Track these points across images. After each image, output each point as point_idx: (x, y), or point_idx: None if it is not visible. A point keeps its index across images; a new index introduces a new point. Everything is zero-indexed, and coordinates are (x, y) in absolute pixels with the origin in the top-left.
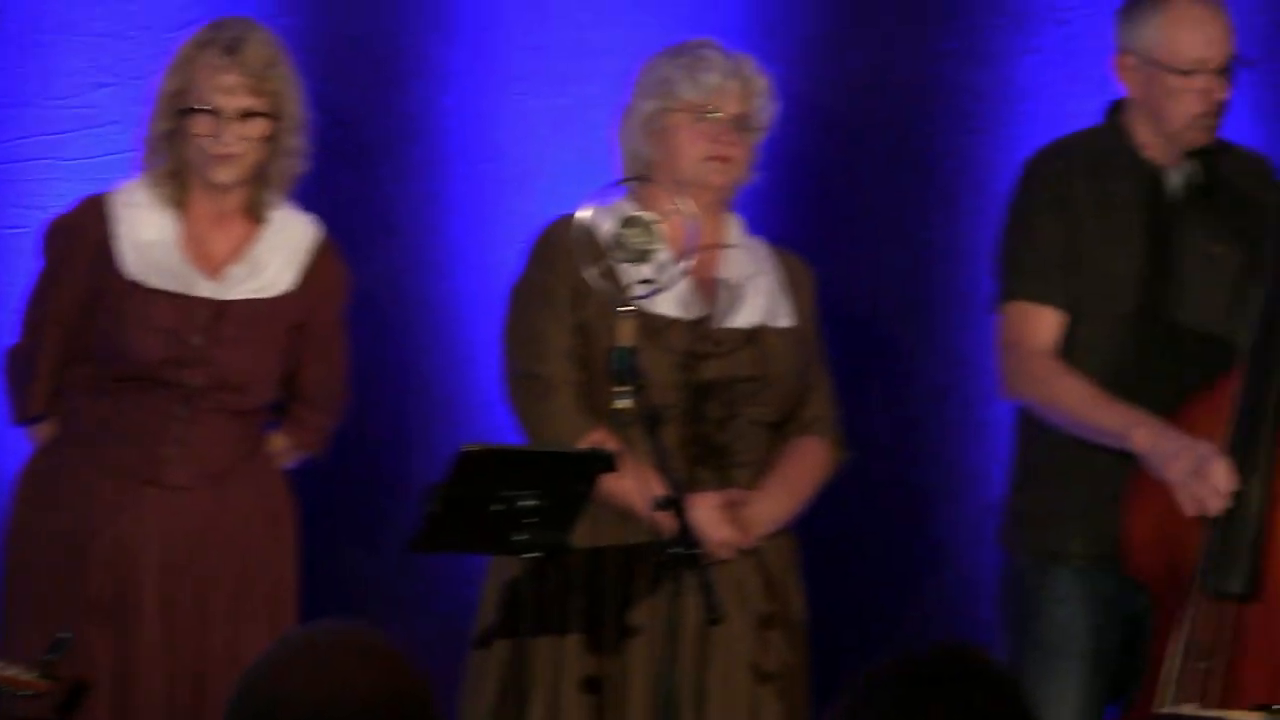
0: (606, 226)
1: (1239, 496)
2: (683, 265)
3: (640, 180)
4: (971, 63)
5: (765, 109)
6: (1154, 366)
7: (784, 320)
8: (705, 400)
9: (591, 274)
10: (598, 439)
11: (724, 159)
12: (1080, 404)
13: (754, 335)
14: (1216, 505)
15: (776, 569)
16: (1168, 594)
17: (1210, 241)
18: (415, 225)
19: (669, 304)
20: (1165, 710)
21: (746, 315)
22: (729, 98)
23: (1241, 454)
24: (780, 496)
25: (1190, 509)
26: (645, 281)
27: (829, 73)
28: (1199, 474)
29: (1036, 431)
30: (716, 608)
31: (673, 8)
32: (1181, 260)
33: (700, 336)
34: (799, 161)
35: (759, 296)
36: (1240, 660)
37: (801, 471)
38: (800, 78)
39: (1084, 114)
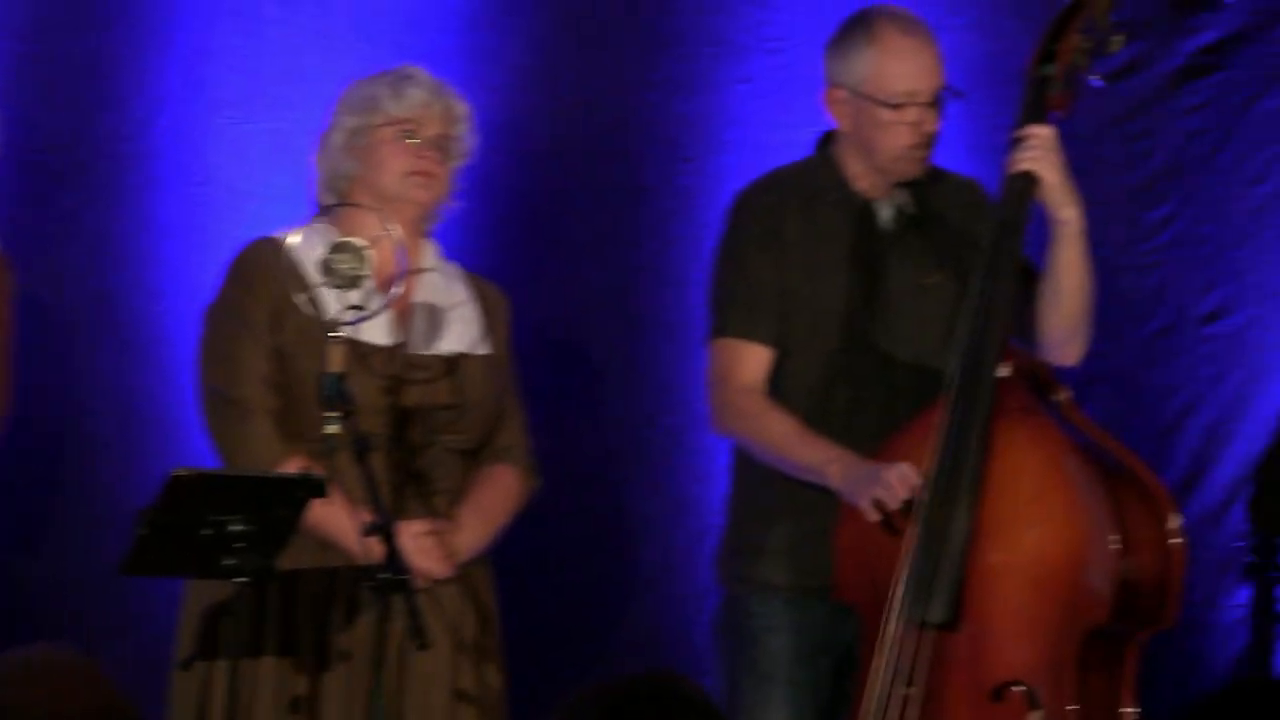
0: (317, 252)
1: (942, 526)
2: (393, 291)
3: (352, 205)
4: (682, 91)
5: (466, 136)
6: (866, 400)
7: (481, 348)
8: (406, 427)
9: (301, 299)
10: (295, 464)
11: (427, 175)
12: (783, 440)
13: (453, 362)
14: (893, 500)
15: (474, 595)
16: (875, 622)
17: (922, 272)
18: (128, 247)
19: (372, 330)
20: None
21: (446, 342)
22: (432, 117)
23: (946, 483)
24: (476, 524)
25: (871, 515)
26: (354, 307)
27: (541, 100)
28: (879, 484)
29: (749, 465)
30: (424, 633)
31: (387, 34)
32: (893, 292)
33: (400, 363)
34: (510, 188)
35: (458, 323)
36: (941, 687)
37: (496, 499)
38: (512, 105)
39: (796, 143)
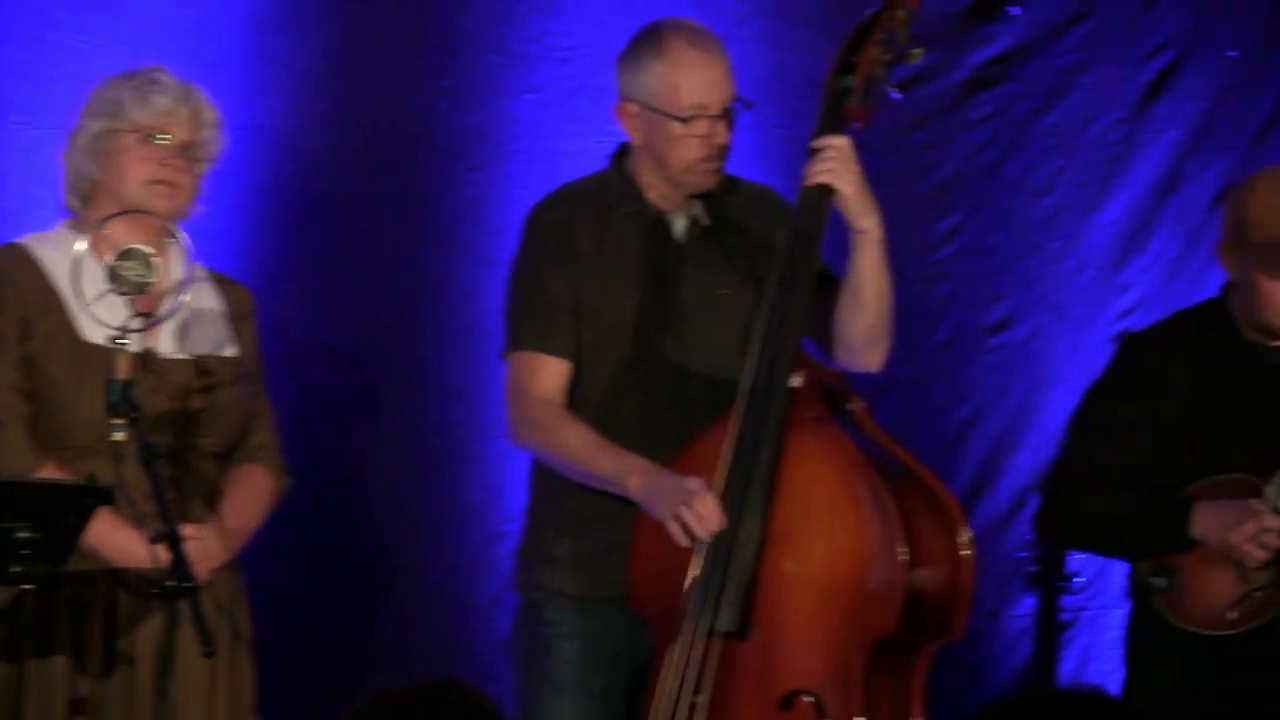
0: (105, 259)
1: (733, 535)
2: (180, 299)
3: (132, 213)
4: (470, 100)
5: (214, 140)
6: (660, 410)
7: (229, 349)
8: (163, 431)
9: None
10: (48, 471)
11: (169, 184)
12: (581, 451)
13: (202, 365)
14: (702, 533)
15: (225, 597)
16: (667, 631)
17: (717, 283)
18: None
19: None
20: None
21: (194, 345)
22: (178, 123)
23: (737, 493)
24: (233, 527)
25: (680, 540)
26: (141, 315)
27: (328, 107)
28: (685, 504)
29: (546, 476)
30: (209, 638)
31: (176, 38)
32: (687, 303)
33: (151, 367)
34: (297, 195)
35: (204, 326)
36: (730, 696)
37: (250, 501)
38: (300, 111)
39: (584, 153)
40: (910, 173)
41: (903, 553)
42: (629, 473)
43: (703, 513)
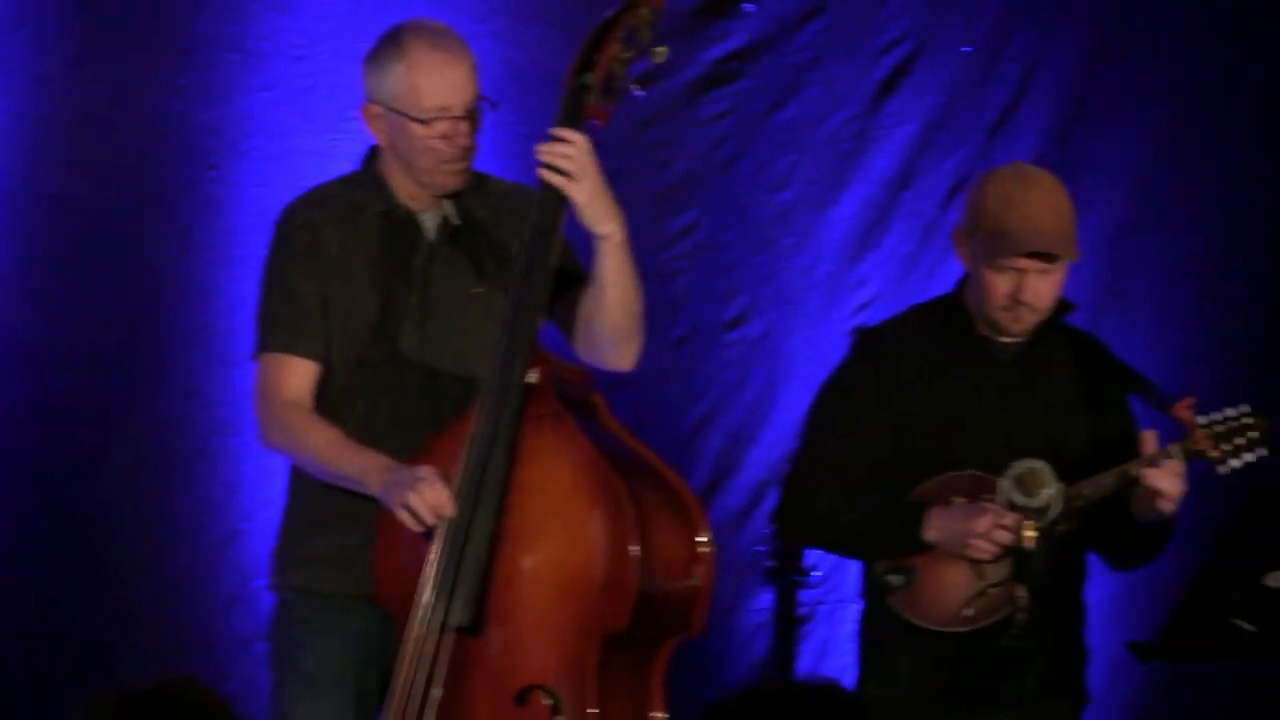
0: None
1: (468, 530)
2: None
3: None
4: (205, 99)
5: None
6: (412, 411)
7: None
8: None
9: None
10: None
11: None
12: (325, 450)
13: None
14: (429, 517)
15: None
16: (406, 624)
17: (468, 283)
18: None
19: None
20: None
21: None
22: None
23: (472, 487)
24: None
25: (410, 525)
26: None
27: (64, 108)
28: (413, 490)
29: (301, 475)
30: None
31: None
32: (438, 303)
33: None
34: (34, 196)
35: None
36: (466, 690)
37: None
38: (35, 113)
39: (320, 150)
40: (645, 169)
41: (635, 550)
42: (370, 470)
43: (429, 498)
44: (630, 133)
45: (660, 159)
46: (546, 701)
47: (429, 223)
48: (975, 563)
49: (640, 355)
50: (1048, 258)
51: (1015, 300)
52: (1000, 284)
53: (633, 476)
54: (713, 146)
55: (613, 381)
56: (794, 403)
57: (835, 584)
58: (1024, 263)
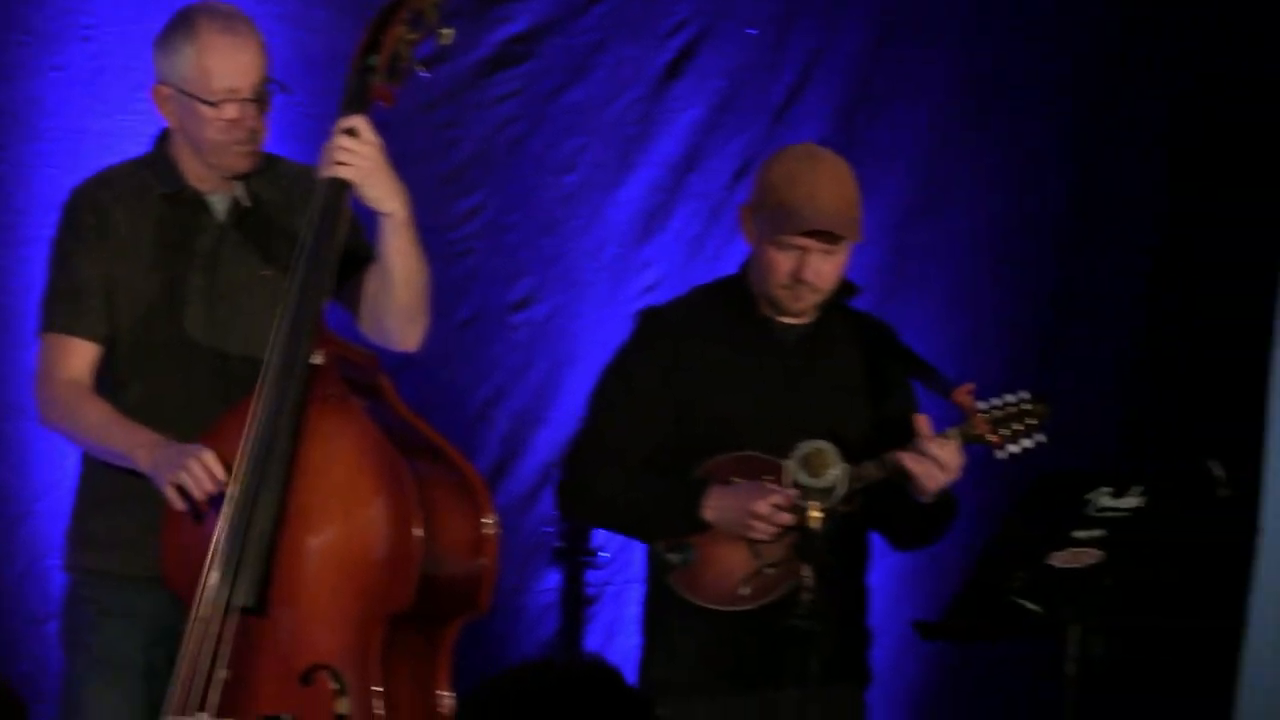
0: None
1: (251, 510)
2: None
3: None
4: None
5: None
6: (203, 392)
7: None
8: None
9: None
10: None
11: None
12: (99, 428)
13: None
14: (198, 492)
15: None
16: (192, 605)
17: (258, 264)
18: None
19: None
20: (177, 719)
21: None
22: None
23: (256, 469)
24: None
25: (176, 504)
26: None
27: None
28: (183, 469)
29: (89, 458)
30: None
31: None
32: (228, 285)
33: None
34: None
35: None
36: (252, 670)
37: None
38: None
39: (110, 131)
40: (431, 151)
41: (418, 531)
42: (138, 446)
43: (198, 472)
44: (417, 114)
45: (447, 140)
46: (331, 682)
47: (218, 205)
48: (752, 543)
49: (426, 336)
50: (831, 237)
51: (796, 279)
52: (783, 262)
53: (418, 458)
54: (499, 128)
55: (399, 363)
56: (580, 385)
57: (622, 565)
58: (806, 241)
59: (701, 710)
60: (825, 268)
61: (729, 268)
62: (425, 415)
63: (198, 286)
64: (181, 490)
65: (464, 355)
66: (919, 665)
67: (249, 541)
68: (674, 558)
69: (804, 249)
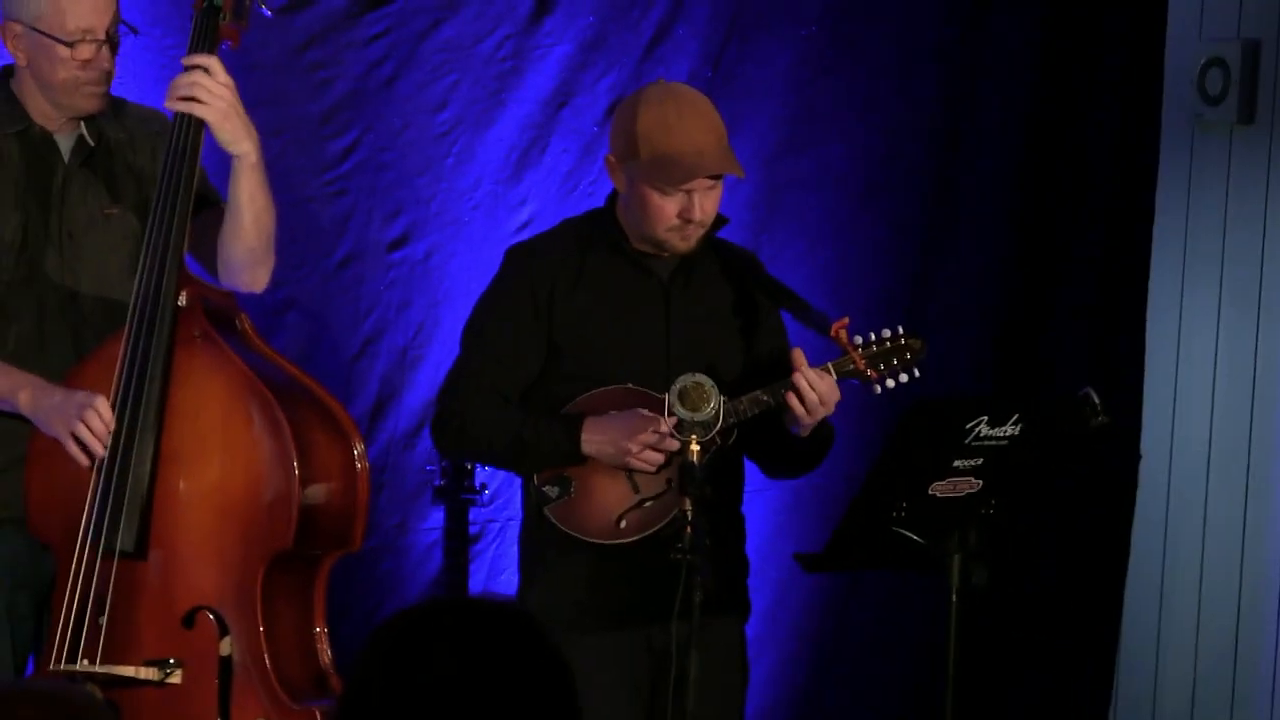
0: None
1: (127, 454)
2: None
3: None
4: None
5: None
6: (53, 332)
7: None
8: None
9: None
10: None
11: None
12: None
13: None
14: (99, 447)
15: None
16: (69, 553)
17: (103, 204)
18: None
19: None
20: (61, 668)
21: None
22: None
23: (128, 413)
24: None
25: (79, 459)
26: None
27: None
28: (80, 419)
29: None
30: None
31: None
32: (75, 224)
33: None
34: None
35: None
36: (134, 615)
37: None
38: None
39: None
40: (304, 92)
41: (296, 467)
42: (18, 387)
43: (97, 426)
44: (289, 55)
45: (319, 80)
46: (213, 623)
47: (64, 144)
48: (631, 475)
49: (270, 279)
50: (714, 175)
51: (685, 220)
52: (669, 207)
53: (287, 395)
54: (371, 67)
55: (277, 305)
56: (458, 323)
57: (506, 502)
58: (692, 183)
59: (582, 647)
60: (708, 203)
61: (600, 203)
62: (305, 355)
63: (46, 226)
64: (79, 442)
65: (343, 294)
66: (803, 598)
67: (127, 487)
68: (551, 491)
69: (689, 191)
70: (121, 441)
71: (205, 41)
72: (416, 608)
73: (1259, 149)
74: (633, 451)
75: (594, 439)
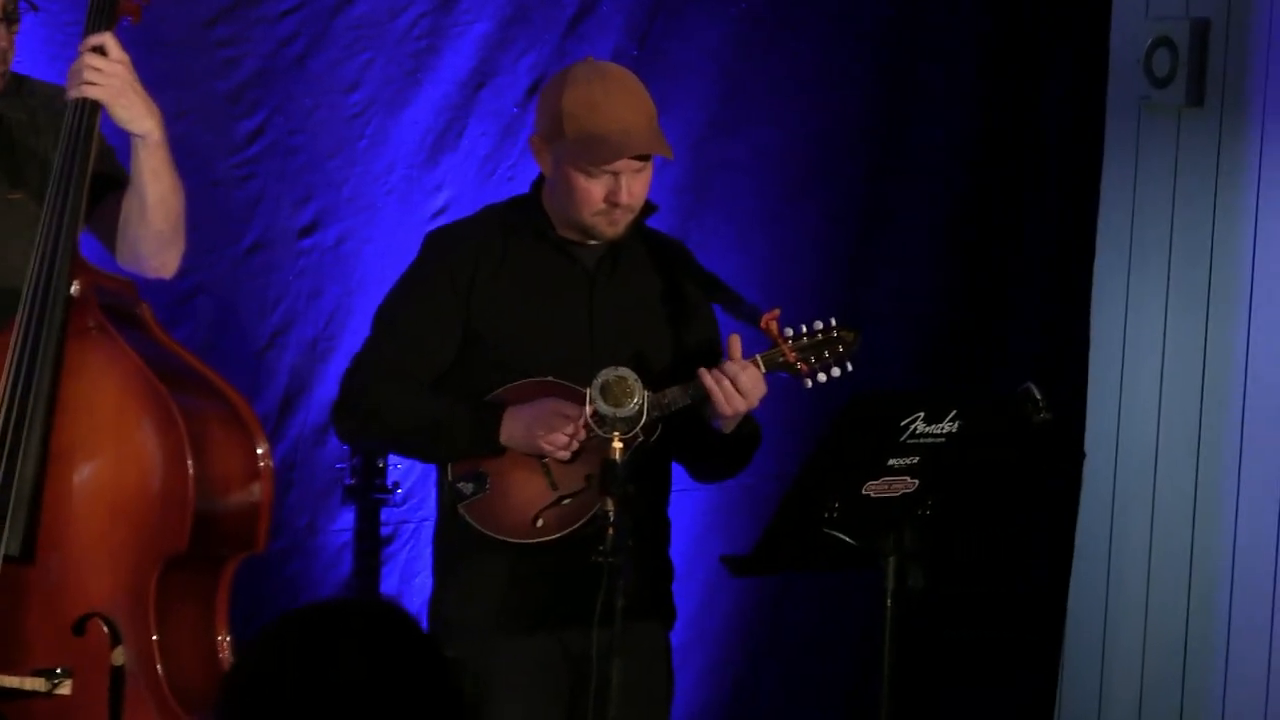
0: None
1: (14, 451)
2: None
3: None
4: None
5: None
6: None
7: None
8: None
9: None
10: None
11: None
12: None
13: None
14: None
15: None
16: None
17: (7, 188)
18: None
19: None
20: None
21: None
22: None
23: (17, 408)
24: None
25: None
26: None
27: None
28: None
29: None
30: None
31: None
32: None
33: None
34: None
35: None
36: (23, 623)
37: None
38: None
39: None
40: (211, 70)
41: (193, 466)
42: None
43: None
44: (194, 31)
45: (227, 58)
46: (106, 630)
47: None
48: (549, 471)
49: (180, 264)
50: (642, 155)
51: (612, 203)
52: (595, 189)
53: (185, 390)
54: (281, 45)
55: (182, 294)
56: (371, 313)
57: (420, 502)
58: (620, 164)
59: (499, 651)
60: (637, 187)
61: (522, 188)
62: (211, 346)
63: None
64: None
65: (251, 283)
66: (730, 604)
67: (14, 487)
68: (466, 488)
69: (617, 173)
70: (9, 438)
71: (102, 18)
72: (326, 604)
73: (1208, 133)
74: (549, 445)
75: (511, 428)
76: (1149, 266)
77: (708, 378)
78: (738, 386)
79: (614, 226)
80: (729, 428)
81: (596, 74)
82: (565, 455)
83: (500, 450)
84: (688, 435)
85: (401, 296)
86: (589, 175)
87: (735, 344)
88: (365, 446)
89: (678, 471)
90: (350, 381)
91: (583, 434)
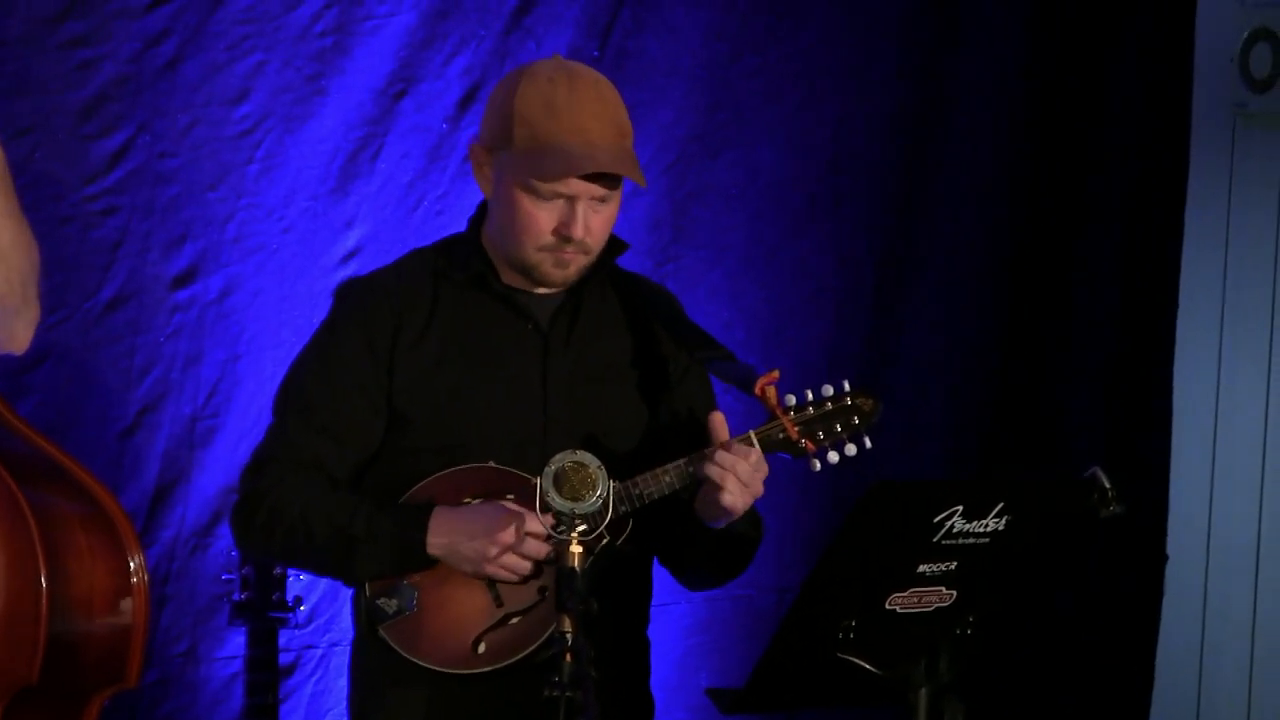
0: None
1: None
2: None
3: None
4: None
5: None
6: None
7: None
8: None
9: None
10: None
11: None
12: None
13: None
14: None
15: None
16: None
17: None
18: None
19: None
20: None
21: None
22: None
23: None
24: None
25: None
26: None
27: None
28: None
29: None
30: None
31: None
32: None
33: None
34: None
35: None
36: None
37: None
38: None
39: None
40: (60, 76)
41: (45, 582)
42: None
43: None
44: (39, 28)
45: (81, 61)
46: None
47: None
48: (492, 584)
49: (35, 332)
50: (608, 181)
51: (563, 237)
52: (542, 216)
53: (39, 487)
54: (149, 45)
55: (23, 362)
56: (266, 382)
57: (329, 622)
58: (577, 186)
59: None
60: (596, 222)
61: (456, 225)
62: (62, 429)
63: None
64: None
65: (111, 348)
66: None
67: None
68: (388, 605)
69: (572, 197)
70: None
71: None
72: None
73: None
74: (491, 556)
75: (443, 535)
76: (1247, 318)
77: (698, 468)
78: (735, 477)
79: (562, 269)
80: (723, 525)
81: (562, 73)
82: (520, 571)
83: (430, 563)
84: (672, 532)
85: (308, 368)
86: (536, 196)
87: (718, 424)
88: (271, 562)
89: (659, 579)
90: (249, 481)
91: (546, 548)
